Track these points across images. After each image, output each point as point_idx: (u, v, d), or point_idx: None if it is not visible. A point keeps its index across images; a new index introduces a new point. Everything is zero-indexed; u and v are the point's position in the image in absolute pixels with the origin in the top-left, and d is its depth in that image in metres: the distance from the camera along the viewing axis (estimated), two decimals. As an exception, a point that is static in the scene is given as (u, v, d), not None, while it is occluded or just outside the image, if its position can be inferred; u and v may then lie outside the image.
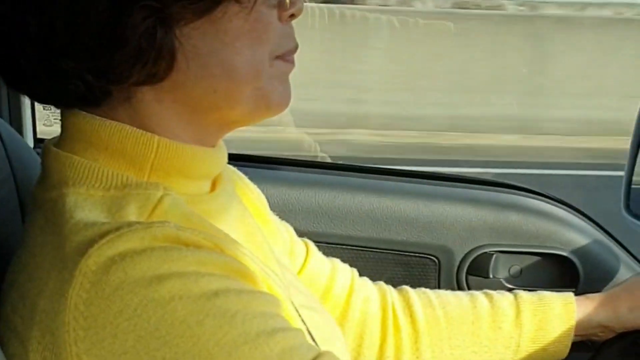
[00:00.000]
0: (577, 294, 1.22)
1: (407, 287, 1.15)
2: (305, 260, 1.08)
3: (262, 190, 1.02)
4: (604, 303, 1.14)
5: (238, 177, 0.99)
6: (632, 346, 1.14)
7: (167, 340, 0.67)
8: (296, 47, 0.83)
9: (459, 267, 1.35)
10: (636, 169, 1.63)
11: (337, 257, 1.18)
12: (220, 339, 0.68)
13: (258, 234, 0.91)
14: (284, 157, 1.47)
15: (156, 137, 0.77)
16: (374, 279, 1.29)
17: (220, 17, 0.75)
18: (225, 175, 0.87)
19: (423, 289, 1.16)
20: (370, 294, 1.12)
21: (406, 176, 1.44)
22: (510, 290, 1.30)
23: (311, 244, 1.11)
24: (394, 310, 1.11)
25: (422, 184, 1.42)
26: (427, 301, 1.12)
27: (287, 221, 1.09)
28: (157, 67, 0.74)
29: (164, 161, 0.78)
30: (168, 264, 0.69)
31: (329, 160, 3.66)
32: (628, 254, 1.36)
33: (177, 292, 0.68)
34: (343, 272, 1.12)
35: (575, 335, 1.13)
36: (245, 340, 0.69)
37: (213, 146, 0.83)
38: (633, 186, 1.62)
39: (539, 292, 1.16)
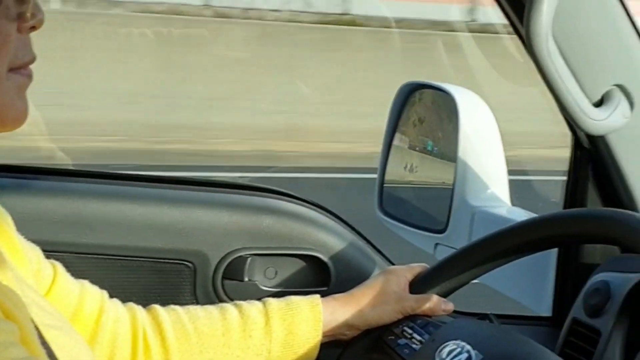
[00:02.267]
0: (328, 293, 1.26)
1: (156, 306, 1.15)
2: (52, 281, 1.05)
3: (5, 201, 0.97)
4: (348, 302, 1.19)
5: None
6: (377, 342, 1.19)
7: None
8: (34, 59, 0.79)
9: (214, 271, 1.34)
10: (387, 170, 1.72)
11: (89, 267, 1.14)
12: None
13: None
14: (28, 165, 1.39)
15: None
16: (128, 288, 1.26)
17: None
18: None
19: (172, 306, 1.16)
20: (120, 315, 1.11)
21: (159, 182, 1.41)
22: (269, 292, 1.32)
23: (59, 266, 1.08)
24: (144, 330, 1.11)
25: (175, 189, 1.39)
26: (176, 318, 1.13)
27: (35, 232, 1.05)
28: None
29: None
30: None
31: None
32: (377, 253, 1.42)
33: None
34: (92, 294, 1.11)
35: (324, 336, 1.18)
36: None
37: None
38: (385, 186, 1.71)
39: (287, 297, 1.20)
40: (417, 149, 1.68)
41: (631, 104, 1.21)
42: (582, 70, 1.17)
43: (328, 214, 1.41)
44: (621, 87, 1.20)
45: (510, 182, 1.58)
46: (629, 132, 1.22)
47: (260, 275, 1.36)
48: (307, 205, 1.41)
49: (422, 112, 1.66)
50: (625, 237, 1.02)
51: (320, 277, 1.37)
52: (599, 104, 1.20)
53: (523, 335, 1.08)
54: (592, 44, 1.18)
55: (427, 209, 1.68)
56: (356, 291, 1.22)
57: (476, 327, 1.12)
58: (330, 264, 1.36)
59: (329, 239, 1.37)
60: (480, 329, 1.11)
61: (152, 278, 1.33)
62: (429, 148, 1.65)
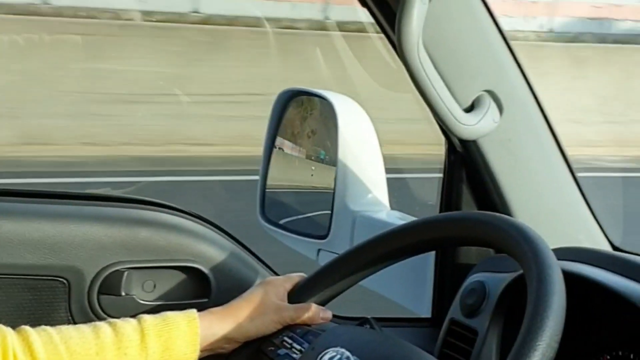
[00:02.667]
0: (209, 304, 1.24)
1: (26, 327, 1.10)
2: None
3: None
4: (226, 316, 1.18)
5: None
6: (256, 353, 1.18)
7: None
8: None
9: (90, 287, 1.30)
10: (269, 176, 1.71)
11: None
12: None
13: None
14: None
15: None
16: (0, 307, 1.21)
17: None
18: None
19: (44, 326, 1.12)
20: None
21: (28, 196, 1.35)
22: (148, 306, 1.29)
23: None
24: (14, 353, 1.06)
25: (45, 203, 1.34)
26: (47, 339, 1.09)
27: None
28: None
29: None
30: None
31: None
32: (259, 262, 1.42)
33: None
34: None
35: (202, 351, 1.16)
36: None
37: None
38: (267, 192, 1.70)
39: (163, 313, 1.17)
40: (298, 154, 1.68)
41: (500, 109, 1.25)
42: (453, 77, 1.20)
43: (207, 224, 1.39)
44: (490, 93, 1.24)
45: (390, 181, 1.60)
46: (498, 136, 1.26)
47: (138, 289, 1.32)
48: (186, 216, 1.38)
49: (302, 118, 1.66)
50: (497, 240, 1.05)
51: (200, 288, 1.34)
52: (469, 109, 1.24)
53: (401, 339, 1.10)
54: (462, 51, 1.21)
55: (310, 215, 1.69)
56: (234, 304, 1.21)
57: (355, 333, 1.13)
58: (210, 275, 1.34)
59: (208, 250, 1.35)
60: (359, 335, 1.12)
61: (25, 296, 1.28)
62: (310, 154, 1.66)
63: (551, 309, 0.88)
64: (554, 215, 1.36)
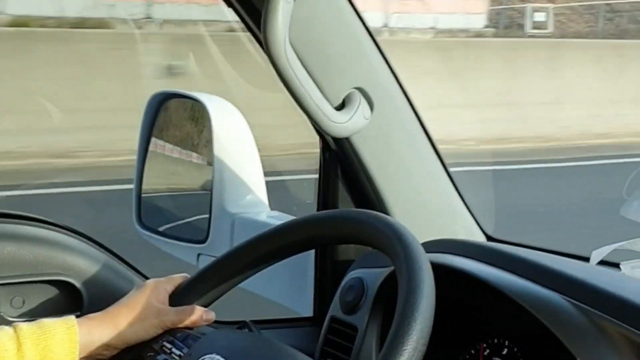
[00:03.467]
0: (82, 315, 1.19)
1: None
2: None
3: None
4: (104, 321, 1.14)
5: None
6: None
7: None
8: None
9: None
10: (145, 180, 1.67)
11: None
12: None
13: None
14: None
15: None
16: None
17: None
18: None
19: None
20: None
21: None
22: (12, 323, 1.22)
23: None
24: None
25: None
26: None
27: None
28: None
29: None
30: None
31: None
32: (132, 270, 1.38)
33: None
34: None
35: (81, 358, 1.11)
36: None
37: None
38: (144, 197, 1.66)
39: (40, 320, 1.12)
40: (174, 157, 1.65)
41: (371, 106, 1.26)
42: (322, 75, 1.20)
43: (77, 236, 1.34)
44: (360, 90, 1.24)
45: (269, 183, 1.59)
46: (370, 132, 1.27)
47: (6, 306, 1.26)
48: (53, 228, 1.33)
49: (176, 121, 1.63)
50: (368, 237, 1.06)
51: (72, 302, 1.30)
52: (340, 107, 1.24)
53: (279, 342, 1.09)
54: (330, 49, 1.21)
55: (189, 219, 1.66)
56: (113, 309, 1.17)
57: (233, 338, 1.11)
58: (81, 287, 1.30)
59: (78, 262, 1.30)
60: (236, 340, 1.10)
61: None
62: (186, 157, 1.63)
63: (419, 312, 0.88)
64: (429, 208, 1.38)
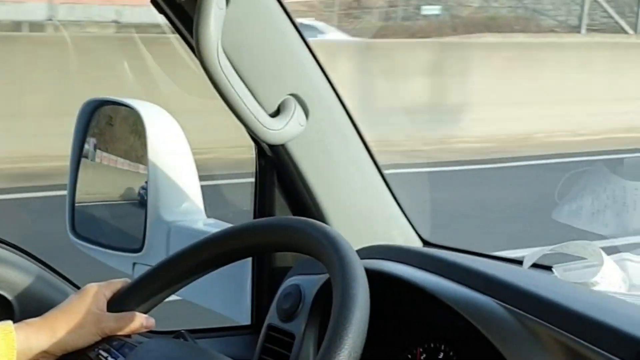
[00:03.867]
0: (14, 328, 1.16)
1: None
2: None
3: None
4: (43, 328, 1.11)
5: None
6: None
7: None
8: None
9: None
10: (78, 189, 1.64)
11: None
12: None
13: None
14: None
15: None
16: None
17: None
18: None
19: None
20: None
21: None
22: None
23: None
24: None
25: None
26: None
27: None
28: None
29: None
30: None
31: None
32: (65, 281, 1.35)
33: None
34: None
35: None
36: None
37: None
38: (77, 206, 1.63)
39: None
40: (108, 165, 1.62)
41: (306, 112, 1.25)
42: (256, 82, 1.19)
43: (7, 247, 1.30)
44: (295, 96, 1.24)
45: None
46: (306, 139, 1.27)
47: None
48: (-18, 240, 1.30)
49: (110, 128, 1.61)
50: (307, 246, 1.05)
51: (2, 314, 1.26)
52: (275, 114, 1.23)
53: (214, 351, 1.08)
54: (263, 55, 1.20)
55: (124, 228, 1.63)
56: (51, 315, 1.13)
57: (168, 348, 1.10)
58: (13, 300, 1.26)
59: (9, 274, 1.27)
60: (171, 350, 1.09)
61: None
62: (120, 165, 1.60)
63: (351, 327, 0.88)
64: (365, 214, 1.38)
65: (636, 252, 1.49)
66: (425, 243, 1.45)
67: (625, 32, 13.47)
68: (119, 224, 1.63)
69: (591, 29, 13.62)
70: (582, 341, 0.92)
